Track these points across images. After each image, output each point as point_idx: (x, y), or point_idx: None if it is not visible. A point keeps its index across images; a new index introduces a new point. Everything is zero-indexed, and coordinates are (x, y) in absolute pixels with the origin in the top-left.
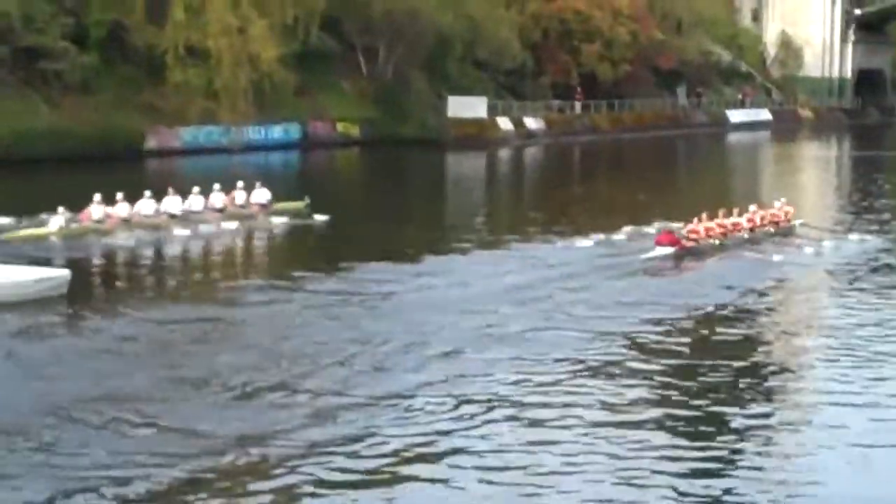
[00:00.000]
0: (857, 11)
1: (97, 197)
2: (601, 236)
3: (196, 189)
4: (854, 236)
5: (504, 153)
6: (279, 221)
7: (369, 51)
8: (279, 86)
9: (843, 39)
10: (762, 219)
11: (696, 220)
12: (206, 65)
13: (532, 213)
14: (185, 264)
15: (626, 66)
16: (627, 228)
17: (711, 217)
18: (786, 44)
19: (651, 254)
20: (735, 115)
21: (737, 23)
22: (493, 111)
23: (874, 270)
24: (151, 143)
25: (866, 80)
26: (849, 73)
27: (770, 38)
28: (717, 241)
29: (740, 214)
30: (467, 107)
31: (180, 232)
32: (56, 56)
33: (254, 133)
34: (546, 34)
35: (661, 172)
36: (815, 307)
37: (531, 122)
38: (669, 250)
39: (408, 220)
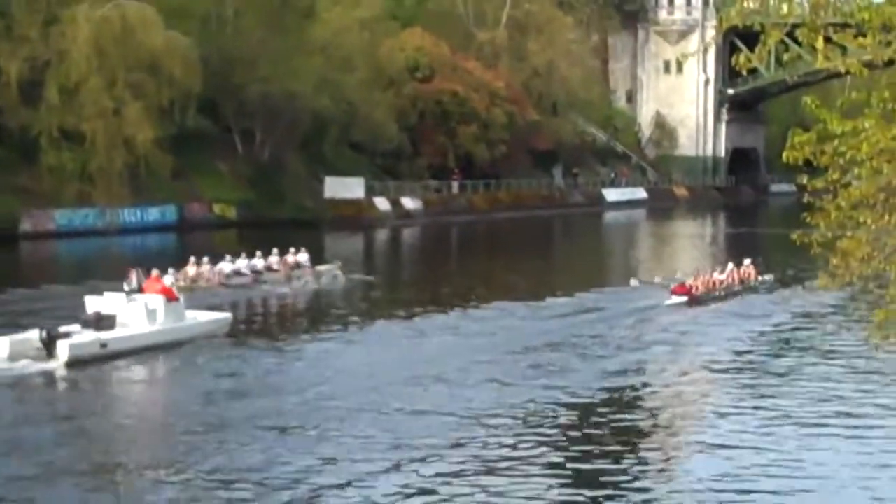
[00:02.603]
0: (730, 91)
1: (192, 259)
2: (476, 311)
3: (258, 253)
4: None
5: (382, 233)
6: (342, 278)
7: (246, 132)
8: (155, 168)
9: (717, 119)
10: (739, 275)
11: (695, 275)
12: (80, 147)
13: (412, 291)
14: (278, 312)
15: (503, 147)
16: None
17: (705, 273)
18: (660, 124)
19: (669, 301)
20: (611, 195)
21: (612, 104)
22: (370, 192)
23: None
24: (26, 225)
25: (740, 159)
26: (723, 152)
27: (645, 118)
28: (718, 293)
29: (721, 273)
30: (344, 187)
31: (255, 287)
32: None
33: (129, 215)
34: (423, 116)
35: (538, 251)
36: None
37: (408, 203)
38: (683, 299)
39: (288, 301)
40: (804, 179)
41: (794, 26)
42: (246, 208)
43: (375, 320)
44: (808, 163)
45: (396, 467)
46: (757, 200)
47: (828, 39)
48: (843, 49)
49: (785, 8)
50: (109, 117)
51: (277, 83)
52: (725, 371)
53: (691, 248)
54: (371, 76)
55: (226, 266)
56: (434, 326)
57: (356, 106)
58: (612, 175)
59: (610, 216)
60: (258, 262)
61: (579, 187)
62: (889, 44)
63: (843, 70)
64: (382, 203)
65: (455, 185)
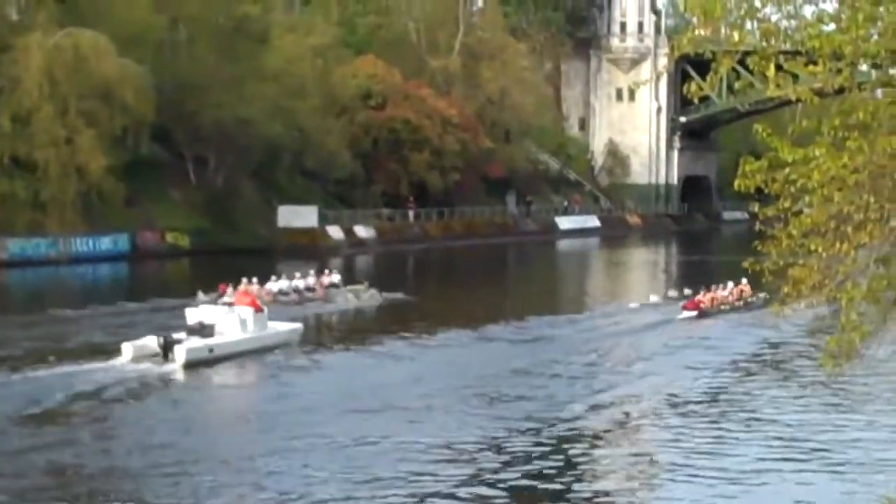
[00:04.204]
0: (682, 119)
1: (244, 280)
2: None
3: (297, 273)
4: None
5: (335, 262)
6: (378, 296)
7: (199, 160)
8: (108, 196)
9: (669, 147)
10: (737, 292)
11: (703, 292)
12: (33, 175)
13: (367, 320)
14: (340, 323)
15: (456, 175)
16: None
17: (713, 290)
18: (613, 152)
19: (682, 315)
20: (564, 223)
21: (565, 131)
22: (323, 220)
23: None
24: None
25: (692, 186)
26: (675, 180)
27: (597, 146)
28: (723, 307)
29: (724, 289)
30: (298, 216)
31: (302, 305)
32: None
33: (82, 245)
34: (376, 143)
35: (492, 280)
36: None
37: (362, 231)
38: (693, 313)
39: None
40: (756, 207)
41: (746, 54)
42: (199, 237)
43: (331, 348)
44: (759, 191)
45: (347, 500)
46: (709, 228)
47: (779, 67)
48: (795, 77)
49: (736, 36)
50: (62, 145)
51: (230, 110)
52: (700, 396)
53: (645, 276)
54: (324, 103)
55: (273, 286)
56: (391, 354)
57: (309, 133)
58: (566, 203)
59: (563, 244)
60: (299, 283)
61: (532, 215)
62: (839, 71)
63: (794, 98)
64: (336, 231)
65: (410, 214)
